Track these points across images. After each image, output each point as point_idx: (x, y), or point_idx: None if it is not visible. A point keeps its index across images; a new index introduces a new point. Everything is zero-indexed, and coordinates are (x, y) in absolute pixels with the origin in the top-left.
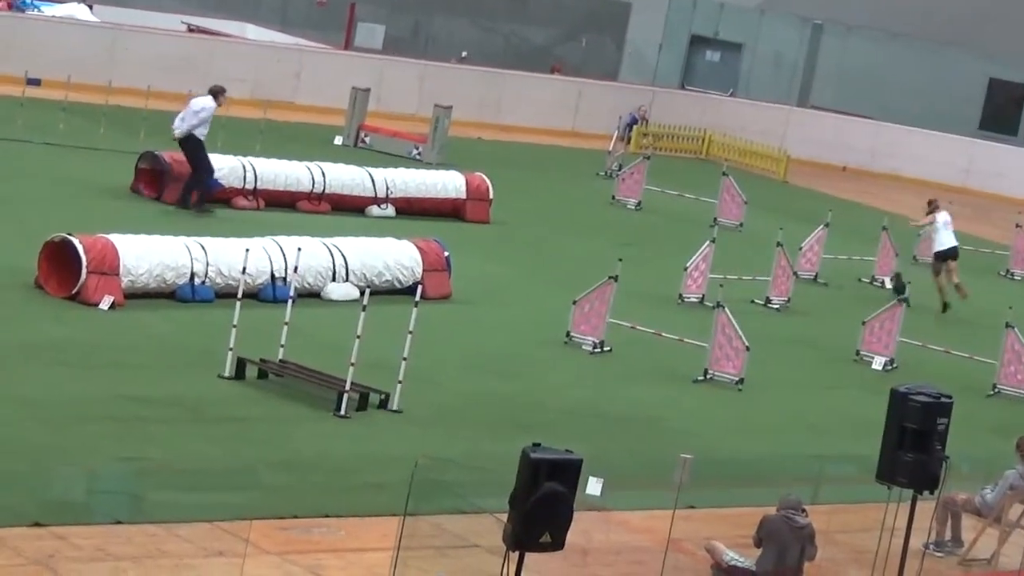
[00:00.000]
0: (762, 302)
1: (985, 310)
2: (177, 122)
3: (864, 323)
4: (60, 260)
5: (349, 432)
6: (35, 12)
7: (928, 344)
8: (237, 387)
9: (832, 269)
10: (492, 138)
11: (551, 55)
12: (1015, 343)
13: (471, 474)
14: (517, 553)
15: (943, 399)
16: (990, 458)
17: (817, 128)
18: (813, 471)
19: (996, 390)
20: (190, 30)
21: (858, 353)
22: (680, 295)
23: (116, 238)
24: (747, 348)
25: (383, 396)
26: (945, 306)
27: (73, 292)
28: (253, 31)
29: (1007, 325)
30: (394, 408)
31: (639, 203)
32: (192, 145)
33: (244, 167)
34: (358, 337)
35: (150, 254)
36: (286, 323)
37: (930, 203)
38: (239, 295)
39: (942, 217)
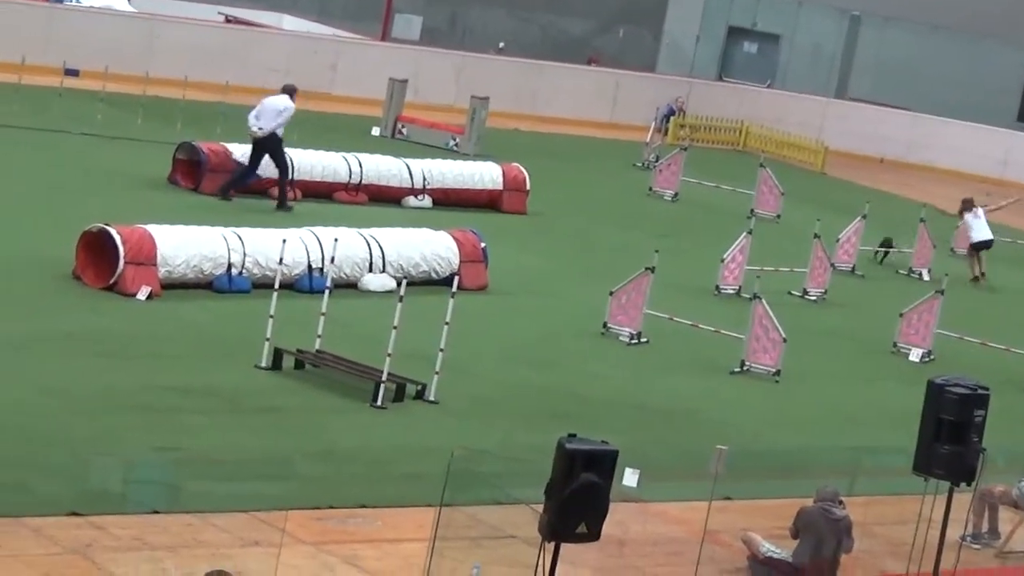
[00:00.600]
0: (799, 294)
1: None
2: (252, 119)
3: (901, 315)
4: (97, 250)
5: (385, 423)
6: (73, 3)
7: (965, 336)
8: (274, 377)
9: (869, 261)
10: (529, 129)
11: (588, 46)
12: None
13: (507, 465)
14: (553, 544)
15: (980, 391)
16: None
17: (854, 120)
18: (850, 463)
19: None
20: (227, 21)
21: (895, 345)
22: (717, 286)
23: (153, 228)
24: (784, 340)
25: (420, 387)
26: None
27: (110, 282)
28: (290, 22)
29: None
30: (430, 399)
31: (676, 194)
32: (274, 144)
33: None
34: (395, 328)
35: (187, 245)
36: (323, 314)
37: (964, 202)
38: (276, 285)
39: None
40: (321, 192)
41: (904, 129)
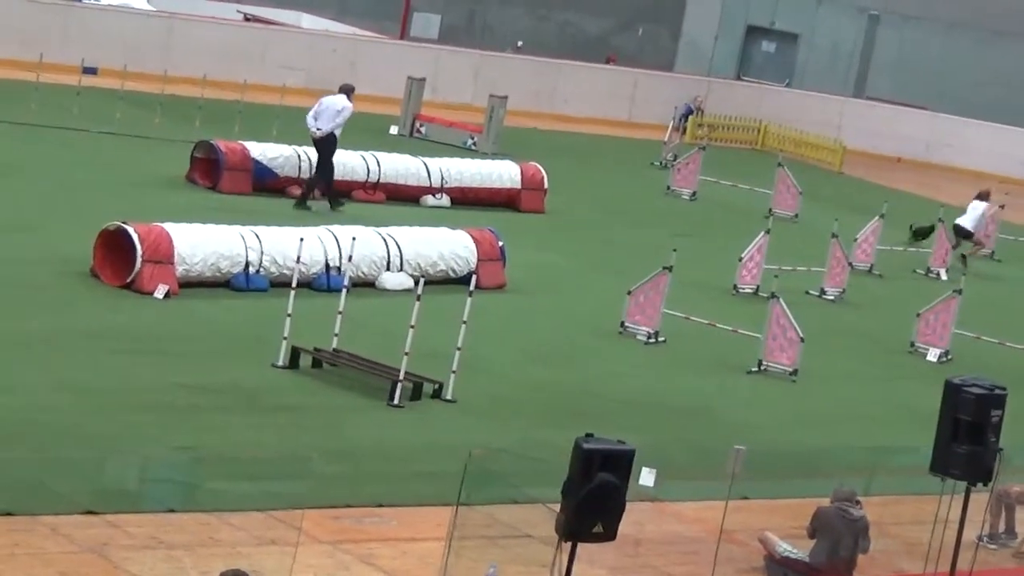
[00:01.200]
0: (817, 293)
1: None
2: (311, 120)
3: (919, 315)
4: (115, 248)
5: (403, 422)
6: (92, 1)
7: (983, 336)
8: (291, 376)
9: (887, 261)
10: (547, 128)
11: (607, 45)
12: None
13: (524, 464)
14: (569, 543)
15: (997, 391)
16: None
17: (873, 119)
18: (867, 463)
19: None
20: (246, 19)
21: (913, 345)
22: (735, 286)
23: (171, 227)
24: (801, 339)
25: (437, 386)
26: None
27: (128, 281)
28: (308, 20)
29: None
30: (448, 398)
31: (694, 193)
32: (329, 144)
33: (299, 156)
34: (412, 327)
35: (205, 243)
36: (340, 312)
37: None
38: (293, 284)
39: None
40: (339, 191)
41: (923, 128)
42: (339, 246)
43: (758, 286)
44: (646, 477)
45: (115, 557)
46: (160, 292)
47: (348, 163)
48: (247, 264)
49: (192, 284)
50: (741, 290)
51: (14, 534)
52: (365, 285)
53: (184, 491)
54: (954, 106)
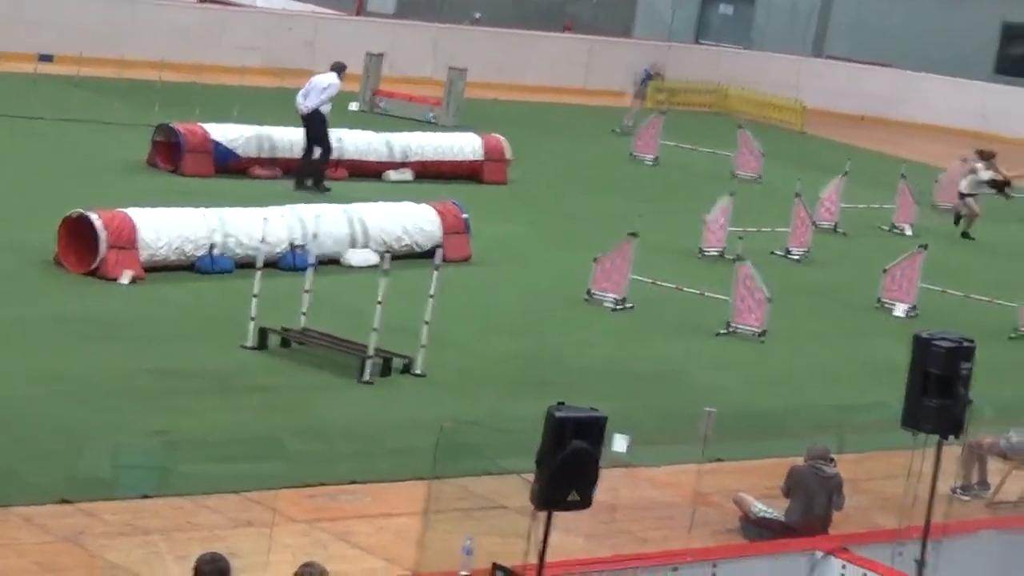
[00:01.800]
0: (782, 253)
1: (1007, 254)
2: (300, 99)
3: (885, 271)
4: (78, 236)
5: (373, 398)
6: None
7: (949, 290)
8: (260, 357)
9: (851, 219)
10: (507, 98)
11: (563, 13)
12: None
13: (496, 436)
14: (545, 512)
15: (965, 344)
16: (1014, 401)
17: (832, 78)
18: (838, 420)
19: (1019, 333)
20: (201, 0)
21: (880, 301)
22: (700, 249)
23: (134, 212)
24: (768, 300)
25: (406, 361)
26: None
27: (92, 267)
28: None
29: None
30: (417, 372)
31: (656, 159)
32: (317, 121)
33: (261, 136)
34: (379, 303)
35: (168, 227)
36: (307, 291)
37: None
38: (258, 264)
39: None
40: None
41: (882, 86)
42: (303, 225)
43: (724, 248)
44: (619, 443)
45: (91, 545)
46: (125, 278)
47: None
48: (212, 246)
49: (157, 268)
50: (707, 253)
51: None
52: (331, 263)
53: (158, 476)
54: (913, 62)
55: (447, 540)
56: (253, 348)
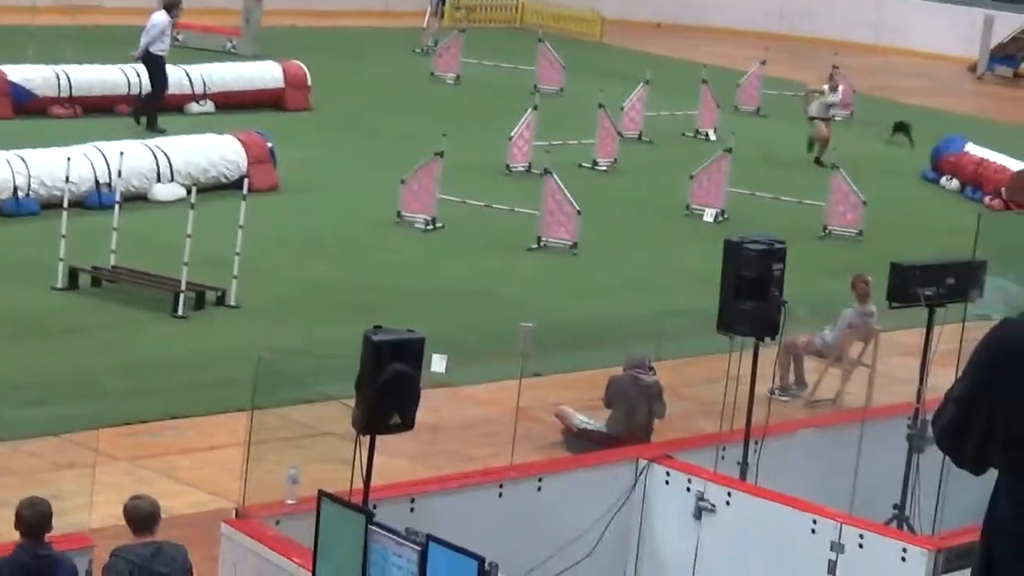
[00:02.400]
0: (589, 165)
1: (810, 154)
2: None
3: (692, 176)
4: None
5: (188, 332)
6: None
7: (757, 192)
8: (72, 297)
9: (656, 126)
10: (306, 25)
11: None
12: (841, 184)
13: (315, 363)
14: (368, 437)
15: (776, 245)
16: (827, 299)
17: None
18: (655, 328)
19: (827, 231)
20: None
21: (688, 207)
22: (507, 165)
23: None
24: (578, 212)
25: (219, 293)
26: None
27: None
28: None
29: (833, 167)
30: (232, 304)
31: (458, 77)
32: (147, 62)
33: (58, 75)
34: (189, 236)
35: None
36: (115, 228)
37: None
38: (64, 204)
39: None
40: (101, 107)
41: None
42: (107, 162)
43: (530, 163)
44: (437, 363)
45: None
46: None
47: (108, 78)
48: (16, 188)
49: None
50: (513, 169)
51: None
52: (138, 199)
53: None
54: None
55: (272, 470)
56: (64, 289)
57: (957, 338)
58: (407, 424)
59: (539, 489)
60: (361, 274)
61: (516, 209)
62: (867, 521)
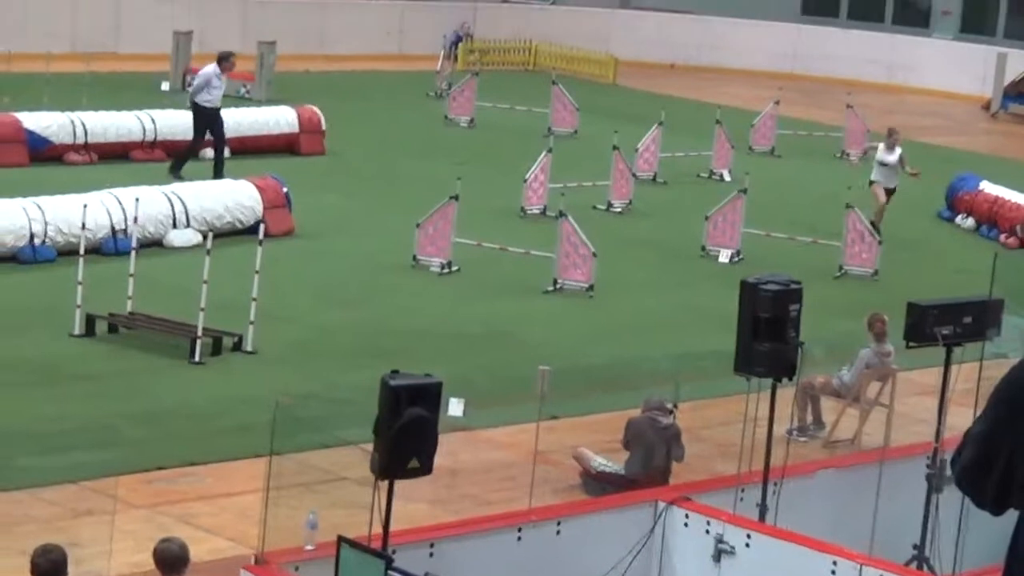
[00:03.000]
0: (604, 207)
1: (825, 193)
2: None
3: (707, 217)
4: None
5: (206, 378)
6: None
7: (772, 232)
8: (89, 344)
9: (670, 167)
10: (319, 69)
11: None
12: (856, 223)
13: (333, 408)
14: (387, 481)
15: (793, 285)
16: (843, 339)
17: (642, 28)
18: (672, 370)
19: (843, 271)
20: None
21: (704, 248)
22: (522, 208)
23: None
24: (594, 254)
25: (236, 338)
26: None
27: None
28: None
29: (847, 206)
30: (248, 349)
31: (472, 120)
32: (194, 113)
33: (73, 122)
34: (205, 282)
35: None
36: (131, 275)
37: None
38: (81, 251)
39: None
40: (117, 153)
41: (691, 33)
42: (123, 208)
43: (545, 206)
44: (455, 407)
45: None
46: None
47: (123, 124)
48: (32, 236)
49: None
50: (529, 211)
51: None
52: (154, 245)
53: None
54: (720, 8)
55: (291, 516)
56: (81, 336)
57: (975, 377)
58: (425, 468)
59: (558, 533)
60: (378, 318)
61: (532, 252)
62: (887, 562)
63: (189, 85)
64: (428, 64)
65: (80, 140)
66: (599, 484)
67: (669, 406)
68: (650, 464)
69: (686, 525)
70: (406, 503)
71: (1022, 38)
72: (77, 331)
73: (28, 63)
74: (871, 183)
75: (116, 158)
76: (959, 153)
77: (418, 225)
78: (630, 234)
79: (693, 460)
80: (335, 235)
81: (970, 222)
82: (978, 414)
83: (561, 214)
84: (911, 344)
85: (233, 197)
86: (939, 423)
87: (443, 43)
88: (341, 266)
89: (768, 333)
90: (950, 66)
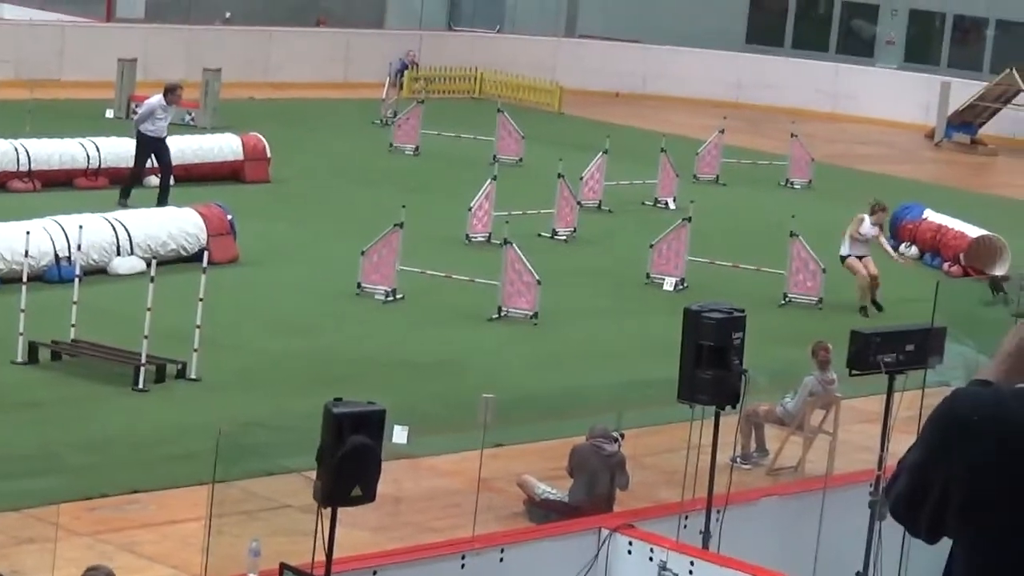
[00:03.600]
0: (549, 235)
1: (769, 221)
2: None
3: (652, 245)
4: None
5: (149, 405)
6: None
7: (716, 260)
8: (31, 371)
9: (615, 196)
10: (264, 97)
11: (316, 8)
12: (801, 251)
13: (276, 435)
14: (330, 509)
15: (736, 313)
16: (787, 367)
17: (587, 57)
18: (616, 397)
19: (787, 299)
20: None
21: (648, 276)
22: (467, 235)
23: None
24: (538, 282)
25: (180, 366)
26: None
27: None
28: (10, 10)
29: (792, 234)
30: (192, 376)
31: (417, 148)
32: (137, 143)
33: (16, 149)
34: (149, 309)
35: None
36: (75, 302)
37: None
38: (24, 279)
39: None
40: (61, 180)
41: (636, 62)
42: (67, 236)
43: (490, 234)
44: (398, 435)
45: None
46: None
47: (67, 151)
48: None
49: None
50: (473, 239)
51: None
52: (97, 272)
53: None
54: (665, 37)
55: (233, 543)
56: (24, 363)
57: (917, 405)
58: (368, 496)
59: (501, 560)
60: (322, 346)
61: (476, 280)
62: None
63: (134, 113)
64: (374, 92)
65: (24, 167)
66: (543, 511)
67: (614, 434)
68: (594, 491)
69: (630, 552)
70: (349, 530)
71: (965, 67)
72: (20, 359)
73: None
74: (843, 259)
75: (60, 185)
76: (903, 182)
77: (363, 253)
78: (575, 262)
79: (637, 487)
80: (279, 263)
81: (914, 250)
82: (912, 444)
83: (506, 242)
84: (854, 372)
85: (177, 225)
86: (882, 451)
87: (389, 71)
88: (286, 294)
89: (711, 361)
90: (894, 95)
